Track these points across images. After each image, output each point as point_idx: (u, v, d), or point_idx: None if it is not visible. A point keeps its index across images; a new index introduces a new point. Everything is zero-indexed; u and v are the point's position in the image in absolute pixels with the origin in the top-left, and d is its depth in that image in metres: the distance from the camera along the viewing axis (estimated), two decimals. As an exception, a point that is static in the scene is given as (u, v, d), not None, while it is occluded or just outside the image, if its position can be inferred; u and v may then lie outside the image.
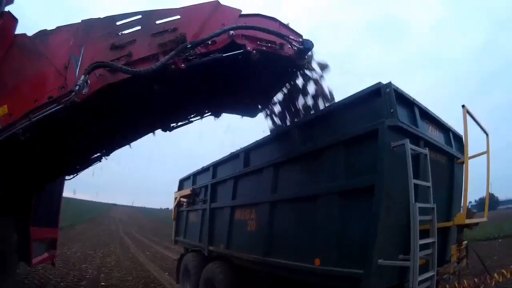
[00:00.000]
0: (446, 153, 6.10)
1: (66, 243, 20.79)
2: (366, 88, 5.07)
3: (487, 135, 6.53)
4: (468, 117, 5.69)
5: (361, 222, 4.62)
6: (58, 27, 6.12)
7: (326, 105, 6.57)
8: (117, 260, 18.70)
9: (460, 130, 6.23)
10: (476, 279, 5.73)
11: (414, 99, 5.38)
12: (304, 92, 7.10)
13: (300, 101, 7.26)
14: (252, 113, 8.69)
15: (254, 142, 7.82)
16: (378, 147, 4.51)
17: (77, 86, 5.07)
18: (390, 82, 4.86)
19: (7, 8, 6.47)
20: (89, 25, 5.91)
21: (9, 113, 5.61)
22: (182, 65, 5.48)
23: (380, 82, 4.92)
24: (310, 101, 7.02)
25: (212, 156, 8.41)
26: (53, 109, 5.32)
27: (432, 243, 4.62)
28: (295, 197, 6.01)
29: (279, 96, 7.85)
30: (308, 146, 5.89)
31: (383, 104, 4.71)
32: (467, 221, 5.25)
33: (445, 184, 6.10)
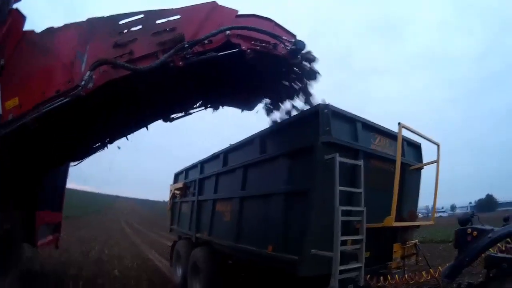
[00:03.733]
0: (395, 161, 6.43)
1: (73, 230, 21.95)
2: (309, 109, 6.12)
3: (438, 145, 7.10)
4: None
5: (299, 218, 5.63)
6: (64, 25, 6.53)
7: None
8: (118, 242, 21.34)
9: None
10: (407, 275, 6.24)
11: (355, 115, 6.18)
12: (294, 90, 7.62)
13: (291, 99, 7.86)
14: (249, 107, 9.21)
15: (230, 145, 8.68)
16: (314, 160, 5.46)
17: (83, 81, 5.49)
18: (328, 104, 5.78)
19: (15, 6, 6.91)
20: (93, 23, 6.28)
21: (20, 104, 6.09)
22: (180, 63, 5.81)
23: (319, 104, 5.89)
24: (300, 98, 7.60)
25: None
26: (61, 102, 5.73)
27: (360, 240, 5.39)
28: (257, 194, 7.03)
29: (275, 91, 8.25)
30: (265, 154, 6.90)
31: (320, 123, 5.51)
32: (395, 224, 5.90)
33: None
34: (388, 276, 5.88)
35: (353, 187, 5.61)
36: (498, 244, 5.11)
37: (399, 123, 6.11)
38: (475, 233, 4.92)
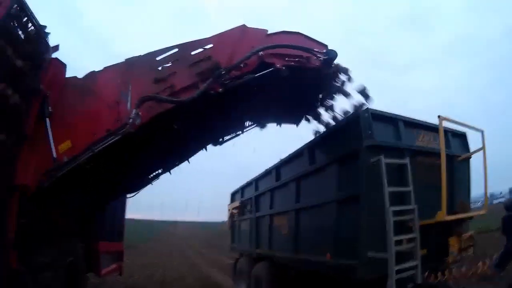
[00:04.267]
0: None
1: (133, 257, 22.53)
2: (351, 114, 6.23)
3: (482, 132, 7.03)
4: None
5: (353, 223, 5.79)
6: (104, 68, 6.91)
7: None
8: (180, 264, 22.28)
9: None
10: (464, 268, 6.08)
11: (395, 115, 6.28)
12: (334, 97, 7.79)
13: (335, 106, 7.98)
14: (294, 121, 9.36)
15: (281, 160, 8.89)
16: (360, 164, 5.64)
17: (130, 119, 5.80)
18: (368, 108, 6.02)
19: (54, 55, 7.26)
20: (132, 63, 6.65)
21: (72, 146, 6.40)
22: (220, 89, 6.03)
23: (360, 109, 6.04)
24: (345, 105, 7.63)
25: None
26: (112, 140, 6.07)
27: (414, 238, 5.47)
28: (311, 205, 7.17)
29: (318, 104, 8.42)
30: (315, 165, 7.06)
31: (362, 127, 5.66)
32: (447, 218, 5.89)
33: (446, 182, 6.40)
34: (445, 271, 5.86)
35: (402, 186, 5.69)
36: None
37: (438, 116, 6.13)
38: None
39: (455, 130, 7.36)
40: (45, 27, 7.08)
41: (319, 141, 7.28)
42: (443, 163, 5.92)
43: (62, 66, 7.28)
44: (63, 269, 7.55)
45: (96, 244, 10.06)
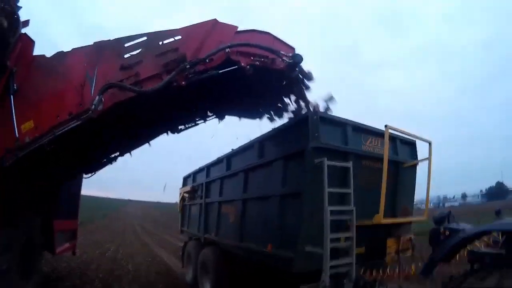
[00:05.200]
0: (389, 160, 6.62)
1: (87, 234, 22.92)
2: (301, 116, 6.50)
3: (429, 143, 7.36)
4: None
5: (294, 218, 6.07)
6: (73, 49, 6.81)
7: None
8: (132, 243, 22.81)
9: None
10: (397, 269, 6.40)
11: (344, 119, 6.53)
12: (294, 99, 7.82)
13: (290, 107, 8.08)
14: (252, 116, 9.47)
15: (232, 150, 9.09)
16: (304, 163, 5.87)
17: (93, 105, 5.80)
18: (317, 111, 6.35)
19: (23, 30, 7.01)
20: (100, 46, 6.58)
21: (35, 127, 6.35)
22: (183, 82, 6.06)
23: (309, 111, 6.28)
24: (296, 107, 7.80)
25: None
26: (73, 125, 6.09)
27: (350, 237, 5.74)
28: (256, 196, 7.47)
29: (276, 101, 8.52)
30: (263, 159, 7.30)
31: (310, 129, 5.88)
32: (384, 221, 6.19)
33: (389, 186, 6.76)
34: (381, 270, 6.16)
35: (344, 188, 5.95)
36: (484, 239, 5.30)
37: (385, 126, 6.42)
38: (447, 232, 5.11)
39: (405, 138, 7.59)
40: (17, 0, 6.92)
41: (269, 137, 7.46)
42: (385, 169, 6.23)
43: (30, 42, 7.17)
44: (20, 248, 7.65)
45: (52, 221, 10.06)
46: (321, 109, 7.17)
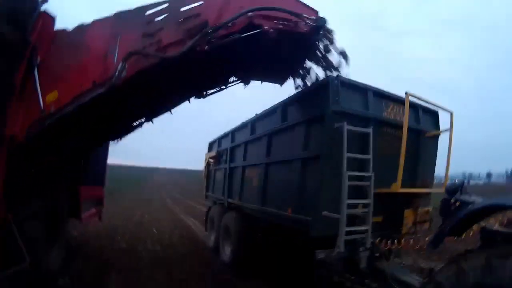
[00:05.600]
0: (409, 129, 6.57)
1: (115, 202, 23.19)
2: (322, 80, 6.53)
3: (451, 113, 7.28)
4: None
5: (314, 183, 6.20)
6: (93, 21, 6.77)
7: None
8: (158, 210, 23.72)
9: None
10: (411, 240, 6.44)
11: (365, 85, 6.58)
12: (321, 62, 7.53)
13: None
14: (278, 81, 9.21)
15: (256, 115, 9.25)
16: (325, 127, 5.97)
17: (117, 72, 5.85)
18: (338, 75, 6.31)
19: (43, 8, 6.96)
20: (121, 17, 6.53)
21: (59, 97, 6.37)
22: (206, 47, 5.96)
23: (330, 76, 6.36)
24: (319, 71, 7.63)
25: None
26: (97, 92, 6.11)
27: (367, 204, 5.88)
28: (279, 160, 7.62)
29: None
30: (286, 123, 7.43)
31: (330, 93, 5.99)
32: (401, 190, 6.19)
33: (410, 156, 6.80)
34: (395, 240, 6.21)
35: (363, 154, 6.04)
36: (500, 217, 5.19)
37: (406, 93, 6.41)
38: (458, 203, 5.08)
39: (428, 107, 7.54)
40: None
41: (292, 101, 7.55)
42: (404, 136, 6.21)
43: (51, 19, 7.16)
44: (47, 216, 7.86)
45: (79, 188, 10.17)
46: (336, 64, 7.05)
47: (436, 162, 7.92)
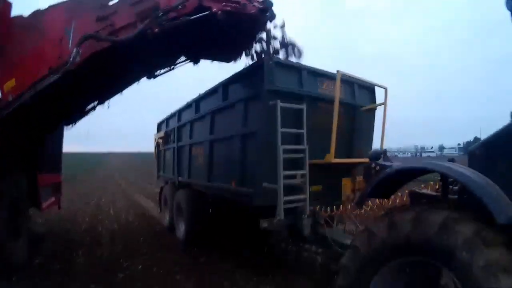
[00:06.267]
0: (344, 104, 7.25)
1: (71, 189, 22.98)
2: (257, 61, 6.95)
3: (385, 89, 7.74)
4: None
5: (253, 157, 6.65)
6: (50, 6, 6.78)
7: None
8: (113, 193, 24.11)
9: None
10: (350, 205, 6.74)
11: (299, 64, 6.97)
12: (268, 43, 7.65)
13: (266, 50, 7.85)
14: (227, 60, 9.66)
15: (200, 94, 9.51)
16: (260, 105, 6.41)
17: (71, 57, 5.90)
18: (274, 56, 6.73)
19: None
20: (76, 1, 6.64)
21: (17, 84, 6.50)
22: (156, 29, 6.05)
23: (265, 57, 6.76)
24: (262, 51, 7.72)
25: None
26: (54, 78, 6.16)
27: (304, 174, 6.30)
28: (221, 137, 7.99)
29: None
30: (226, 101, 7.80)
31: (265, 73, 6.37)
32: (334, 160, 6.63)
33: (346, 129, 7.48)
34: (334, 206, 6.65)
35: (298, 128, 6.45)
36: (431, 182, 5.58)
37: (337, 71, 6.81)
38: (377, 167, 5.48)
39: (364, 82, 7.94)
40: None
41: (232, 81, 7.84)
42: (335, 110, 6.63)
43: (8, 5, 7.19)
44: (7, 208, 7.84)
45: (36, 177, 9.87)
46: (282, 54, 7.32)
47: (373, 134, 8.38)
